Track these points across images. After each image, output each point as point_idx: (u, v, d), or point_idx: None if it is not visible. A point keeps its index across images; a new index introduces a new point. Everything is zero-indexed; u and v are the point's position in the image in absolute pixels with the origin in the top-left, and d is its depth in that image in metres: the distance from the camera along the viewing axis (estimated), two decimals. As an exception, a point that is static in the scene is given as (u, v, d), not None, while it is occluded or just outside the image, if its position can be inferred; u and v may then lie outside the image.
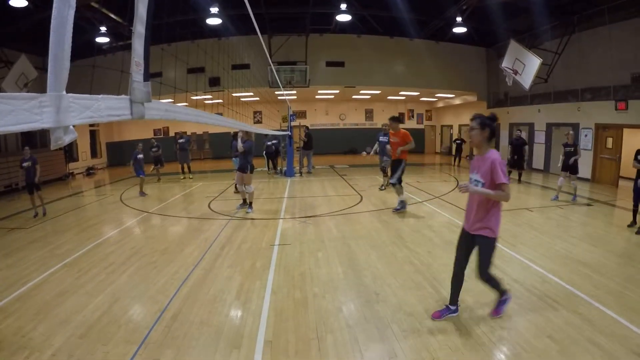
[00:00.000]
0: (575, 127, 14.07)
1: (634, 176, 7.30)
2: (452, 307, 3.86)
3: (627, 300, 4.20)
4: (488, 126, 3.40)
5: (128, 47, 1.43)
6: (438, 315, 3.82)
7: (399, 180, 8.29)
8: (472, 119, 3.50)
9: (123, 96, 1.29)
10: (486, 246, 3.51)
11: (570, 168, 9.63)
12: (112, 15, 13.18)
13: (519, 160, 12.84)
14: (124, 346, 3.39)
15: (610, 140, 13.02)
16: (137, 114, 1.37)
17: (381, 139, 11.39)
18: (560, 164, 9.86)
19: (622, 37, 12.30)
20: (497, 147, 14.24)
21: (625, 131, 12.43)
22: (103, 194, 12.54)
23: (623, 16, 12.23)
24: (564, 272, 5.01)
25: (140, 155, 11.56)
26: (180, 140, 15.11)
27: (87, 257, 5.92)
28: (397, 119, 8.51)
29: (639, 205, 7.19)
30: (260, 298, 4.32)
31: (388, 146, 9.18)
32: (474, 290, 4.31)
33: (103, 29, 13.59)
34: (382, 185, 11.87)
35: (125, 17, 13.43)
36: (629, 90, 12.32)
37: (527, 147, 12.96)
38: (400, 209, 8.57)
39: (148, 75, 1.40)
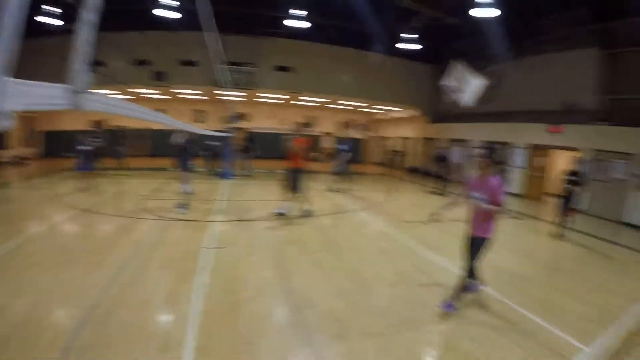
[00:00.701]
0: (509, 146, 15.29)
1: (558, 192, 8.44)
2: (477, 282, 4.68)
3: (549, 305, 4.68)
4: (491, 157, 4.37)
5: (71, 32, 1.41)
6: (468, 288, 4.55)
7: (299, 189, 8.35)
8: (479, 148, 4.40)
9: (64, 85, 1.28)
10: (484, 244, 4.33)
11: None
12: None
13: (443, 174, 13.62)
14: (49, 351, 3.17)
15: (540, 160, 14.32)
16: (76, 103, 1.35)
17: (340, 147, 12.82)
18: None
19: (559, 65, 13.66)
20: (432, 161, 14.90)
21: (554, 152, 13.82)
22: (34, 187, 11.59)
23: (563, 47, 13.59)
24: (493, 281, 5.38)
25: (85, 147, 10.87)
26: (120, 134, 14.36)
27: (10, 256, 5.46)
28: (302, 125, 8.63)
29: (565, 216, 8.30)
30: (191, 301, 4.23)
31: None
32: (410, 302, 4.54)
33: (50, 8, 12.57)
34: (339, 188, 12.85)
35: None
36: (561, 115, 13.70)
37: (450, 166, 13.69)
38: (305, 215, 8.60)
39: (90, 66, 1.39)
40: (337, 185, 13.09)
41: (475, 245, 4.33)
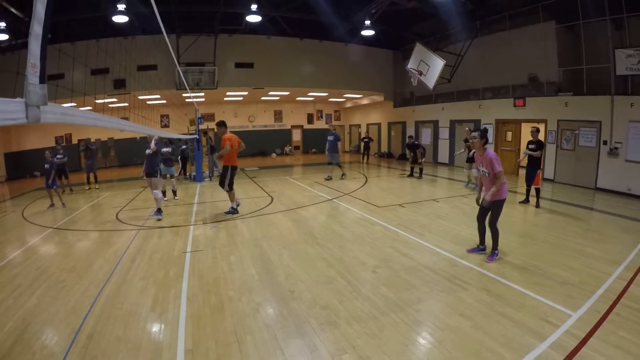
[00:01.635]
0: (477, 123, 15.69)
1: (526, 163, 8.95)
2: (482, 247, 5.68)
3: (531, 275, 4.85)
4: (483, 137, 5.26)
5: (25, 46, 1.37)
6: (471, 250, 5.72)
7: (230, 187, 8.44)
8: (472, 131, 5.44)
9: (18, 99, 1.24)
10: (498, 204, 5.27)
11: (472, 159, 10.94)
12: (13, 10, 11.80)
13: (415, 158, 13.89)
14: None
15: (509, 134, 14.80)
16: (33, 117, 1.32)
17: (329, 138, 13.62)
18: (465, 157, 11.39)
19: (520, 41, 14.01)
20: (403, 144, 15.42)
21: (523, 125, 14.20)
22: (2, 211, 11.11)
23: (522, 23, 13.97)
24: (471, 255, 5.61)
25: (47, 165, 10.47)
26: (91, 146, 13.88)
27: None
28: (220, 124, 8.64)
29: (531, 186, 8.90)
30: (176, 307, 4.20)
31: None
32: (394, 285, 4.63)
33: (1, 24, 12.10)
34: (342, 174, 14.11)
35: (25, 12, 12.09)
36: (526, 88, 14.11)
37: (421, 150, 13.94)
38: (231, 212, 8.65)
39: (44, 77, 1.36)
40: (330, 174, 13.99)
41: (495, 208, 5.26)
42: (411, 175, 14.18)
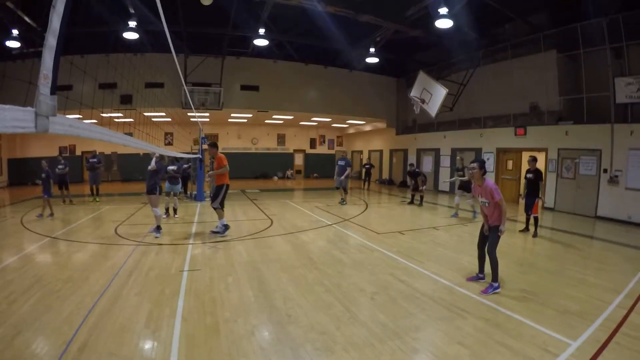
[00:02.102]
0: (478, 151, 15.76)
1: (525, 192, 8.91)
2: (481, 275, 5.63)
3: (531, 303, 4.78)
4: (482, 167, 5.35)
5: (38, 55, 1.39)
6: (470, 279, 5.66)
7: (221, 205, 8.48)
8: (472, 162, 5.48)
9: (28, 108, 1.25)
10: (495, 231, 5.26)
11: (463, 187, 10.93)
12: (27, 19, 12.06)
13: (416, 186, 13.93)
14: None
15: (510, 163, 14.79)
16: (42, 127, 1.33)
17: (339, 163, 13.89)
18: (457, 184, 11.55)
19: (522, 70, 14.21)
20: (404, 171, 15.54)
21: (524, 154, 14.19)
22: (1, 217, 11.09)
23: (523, 52, 14.20)
24: (470, 283, 5.54)
25: (45, 174, 10.53)
26: (92, 160, 13.95)
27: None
28: (213, 145, 8.77)
29: (530, 214, 8.87)
30: (171, 326, 4.12)
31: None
32: (392, 312, 4.56)
33: (15, 32, 12.34)
34: (342, 199, 14.03)
35: (39, 22, 12.37)
36: (527, 117, 14.25)
37: (422, 177, 14.00)
38: (219, 232, 8.59)
39: (55, 89, 1.37)
40: (340, 198, 14.17)
41: (493, 233, 5.29)
42: (412, 202, 14.16)
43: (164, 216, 10.54)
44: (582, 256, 7.27)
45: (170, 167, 10.70)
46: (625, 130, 10.71)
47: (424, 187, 13.84)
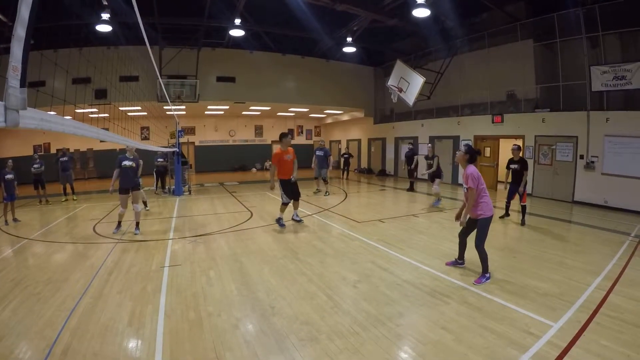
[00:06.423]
0: (456, 139, 15.99)
1: (510, 180, 9.03)
2: (460, 261, 5.71)
3: (512, 287, 4.90)
4: (469, 152, 5.18)
5: (7, 51, 1.34)
6: (450, 263, 5.77)
7: (283, 199, 8.76)
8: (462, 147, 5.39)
9: (-2, 102, 1.21)
10: (483, 224, 5.09)
11: (435, 176, 11.17)
12: None
13: (411, 170, 14.11)
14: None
15: (488, 150, 15.04)
16: (12, 121, 1.29)
17: (317, 153, 13.79)
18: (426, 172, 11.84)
19: (499, 59, 14.44)
20: (383, 160, 15.71)
21: (501, 141, 14.50)
22: None
23: (500, 41, 14.39)
24: (451, 269, 5.65)
25: (10, 176, 9.91)
26: (63, 159, 13.52)
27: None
28: (285, 135, 8.70)
29: (510, 201, 9.15)
30: (154, 322, 4.08)
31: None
32: (374, 299, 4.61)
33: None
34: (318, 189, 14.17)
35: (8, 16, 11.87)
36: (504, 105, 14.45)
37: (416, 157, 14.22)
38: (298, 220, 9.09)
39: (25, 81, 1.33)
40: (317, 188, 14.25)
41: (481, 227, 5.10)
42: (411, 189, 14.41)
43: (147, 209, 10.76)
44: (561, 240, 7.47)
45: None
46: (600, 118, 11.00)
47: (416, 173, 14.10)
